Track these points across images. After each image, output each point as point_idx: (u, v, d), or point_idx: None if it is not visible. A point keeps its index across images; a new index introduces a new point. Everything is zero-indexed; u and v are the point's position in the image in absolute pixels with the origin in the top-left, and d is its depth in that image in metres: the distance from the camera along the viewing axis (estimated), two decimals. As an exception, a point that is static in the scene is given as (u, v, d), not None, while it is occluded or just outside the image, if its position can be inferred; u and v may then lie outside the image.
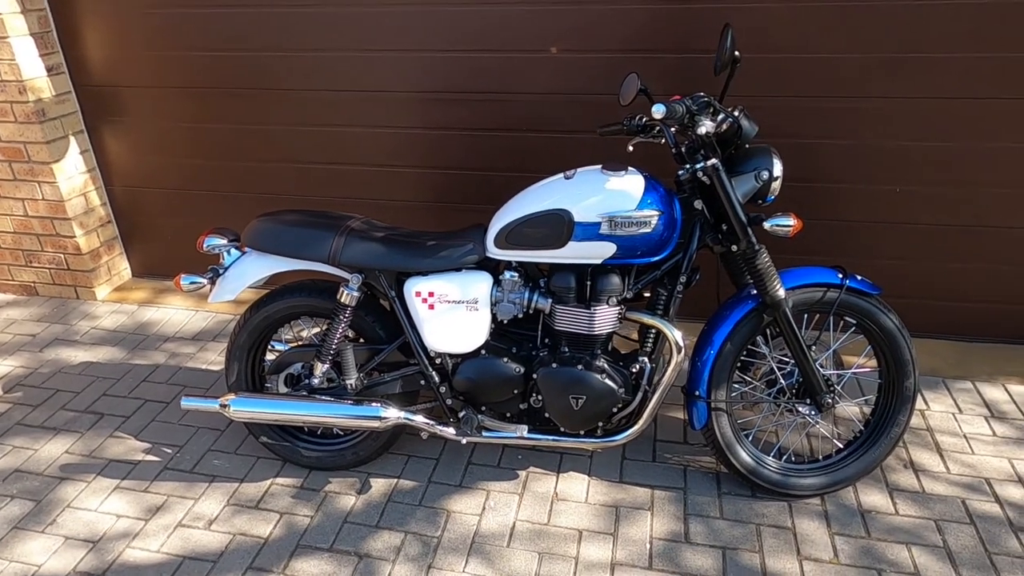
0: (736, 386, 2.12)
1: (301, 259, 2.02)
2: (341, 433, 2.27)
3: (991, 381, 2.63)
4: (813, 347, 2.02)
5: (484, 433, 2.10)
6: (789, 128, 2.58)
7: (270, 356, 2.29)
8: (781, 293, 1.92)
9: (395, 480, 2.27)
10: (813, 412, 2.05)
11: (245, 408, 2.04)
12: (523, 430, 2.06)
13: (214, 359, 2.92)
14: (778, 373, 2.08)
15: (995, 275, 2.68)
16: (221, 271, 2.11)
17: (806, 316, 2.06)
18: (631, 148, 1.97)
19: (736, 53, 1.70)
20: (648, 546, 2.01)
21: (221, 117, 3.04)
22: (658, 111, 1.62)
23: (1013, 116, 2.43)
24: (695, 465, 2.29)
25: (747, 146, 1.91)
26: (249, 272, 2.08)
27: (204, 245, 2.10)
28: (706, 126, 1.74)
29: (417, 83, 2.79)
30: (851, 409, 2.47)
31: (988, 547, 1.96)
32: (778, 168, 1.89)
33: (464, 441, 2.00)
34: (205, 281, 2.03)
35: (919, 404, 2.52)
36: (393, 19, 2.70)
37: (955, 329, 2.80)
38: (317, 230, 2.00)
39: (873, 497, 2.13)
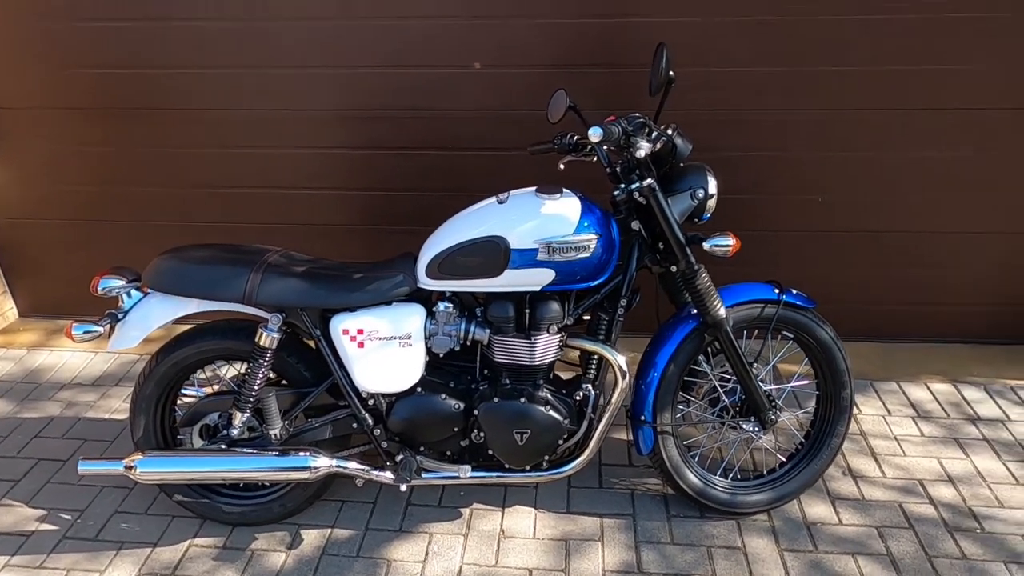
0: (679, 406, 2.08)
1: (212, 300, 1.83)
2: (267, 485, 2.08)
3: (914, 381, 2.72)
4: (754, 363, 2.01)
5: (424, 475, 1.97)
6: (720, 141, 2.59)
7: (186, 401, 2.08)
8: (722, 312, 1.89)
9: (329, 530, 2.11)
10: (757, 429, 2.04)
11: (155, 469, 1.83)
12: (466, 470, 1.94)
13: (118, 406, 2.65)
14: (720, 391, 2.05)
15: (912, 277, 2.78)
16: (120, 316, 1.89)
17: (745, 332, 2.05)
18: (562, 167, 1.90)
19: (671, 73, 1.66)
20: (602, 580, 1.94)
21: (118, 140, 2.78)
22: (595, 134, 1.55)
23: (928, 127, 2.53)
24: (642, 488, 2.24)
25: (681, 164, 1.88)
26: (152, 316, 1.87)
27: (99, 287, 1.88)
28: (643, 148, 1.69)
29: (337, 100, 2.64)
30: (791, 420, 2.49)
31: (928, 551, 1.99)
32: (713, 186, 1.86)
33: (403, 488, 1.86)
34: (101, 330, 1.81)
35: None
36: (307, 33, 2.55)
37: (878, 331, 2.89)
38: (229, 267, 1.82)
39: (817, 508, 2.14)
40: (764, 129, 2.56)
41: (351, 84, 2.61)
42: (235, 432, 1.92)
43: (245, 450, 1.88)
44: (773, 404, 2.03)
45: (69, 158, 2.82)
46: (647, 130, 1.74)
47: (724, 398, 2.05)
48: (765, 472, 2.16)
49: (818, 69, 2.46)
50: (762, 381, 2.07)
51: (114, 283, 1.88)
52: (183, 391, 2.08)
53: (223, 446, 1.92)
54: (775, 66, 2.47)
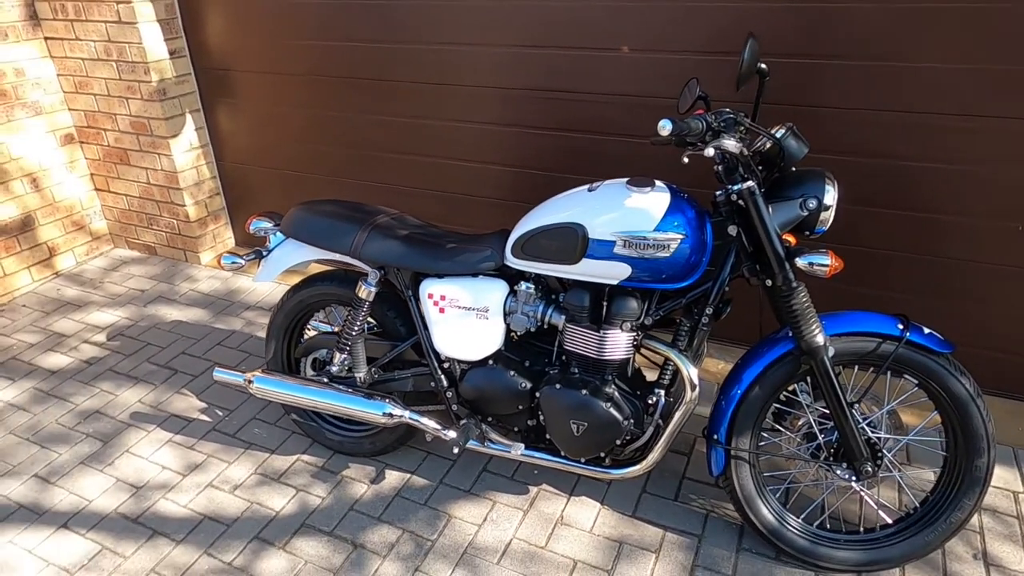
0: (765, 435, 1.89)
1: (328, 250, 2.06)
2: (360, 422, 2.32)
3: (1122, 471, 2.15)
4: (858, 404, 1.76)
5: (489, 444, 2.04)
6: (893, 148, 2.24)
7: (309, 334, 2.38)
8: (820, 340, 1.68)
9: (409, 475, 2.29)
10: (851, 477, 1.79)
11: (266, 386, 2.14)
12: (519, 447, 1.98)
13: (282, 332, 3.10)
14: (816, 428, 1.83)
15: None
16: (265, 253, 2.22)
17: (857, 368, 1.79)
18: (686, 160, 1.77)
19: (762, 66, 1.48)
20: (643, 592, 1.87)
21: (326, 104, 3.16)
22: (664, 127, 1.45)
23: None
24: (720, 512, 2.09)
25: (794, 169, 1.68)
26: (286, 258, 2.16)
27: (251, 227, 2.22)
28: (725, 145, 1.54)
29: (490, 79, 2.75)
30: (924, 475, 2.13)
31: (1058, 676, 1.61)
32: (830, 196, 1.64)
33: (456, 450, 1.96)
34: (243, 261, 2.14)
35: (1015, 486, 2.12)
36: (480, 14, 2.67)
37: (1088, 401, 2.32)
38: (344, 223, 2.03)
39: (923, 586, 1.83)
40: (952, 136, 2.16)
41: (504, 63, 2.69)
42: (334, 369, 2.15)
43: (338, 387, 2.11)
44: (877, 454, 1.76)
45: (286, 117, 3.30)
46: (741, 127, 1.58)
47: (819, 436, 1.83)
48: (863, 529, 1.89)
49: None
50: (873, 426, 1.80)
51: (263, 224, 2.21)
52: (310, 325, 2.38)
53: (325, 380, 2.17)
54: (971, 63, 2.06)
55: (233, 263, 2.15)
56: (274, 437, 2.48)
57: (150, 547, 2.07)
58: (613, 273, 1.75)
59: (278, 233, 2.21)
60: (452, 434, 2.03)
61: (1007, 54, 2.02)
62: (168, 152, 3.39)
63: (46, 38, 3.36)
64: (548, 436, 1.95)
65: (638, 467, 1.89)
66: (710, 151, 1.50)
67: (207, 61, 3.36)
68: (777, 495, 1.93)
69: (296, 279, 2.92)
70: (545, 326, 1.93)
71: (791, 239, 1.81)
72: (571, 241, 1.75)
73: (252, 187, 3.61)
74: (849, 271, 2.44)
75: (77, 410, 2.66)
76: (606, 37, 2.49)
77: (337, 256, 2.07)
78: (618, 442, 1.87)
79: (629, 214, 1.70)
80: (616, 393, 1.86)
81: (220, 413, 2.61)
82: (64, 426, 2.58)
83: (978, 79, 2.08)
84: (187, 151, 3.46)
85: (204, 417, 2.60)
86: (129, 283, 3.56)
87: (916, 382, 1.74)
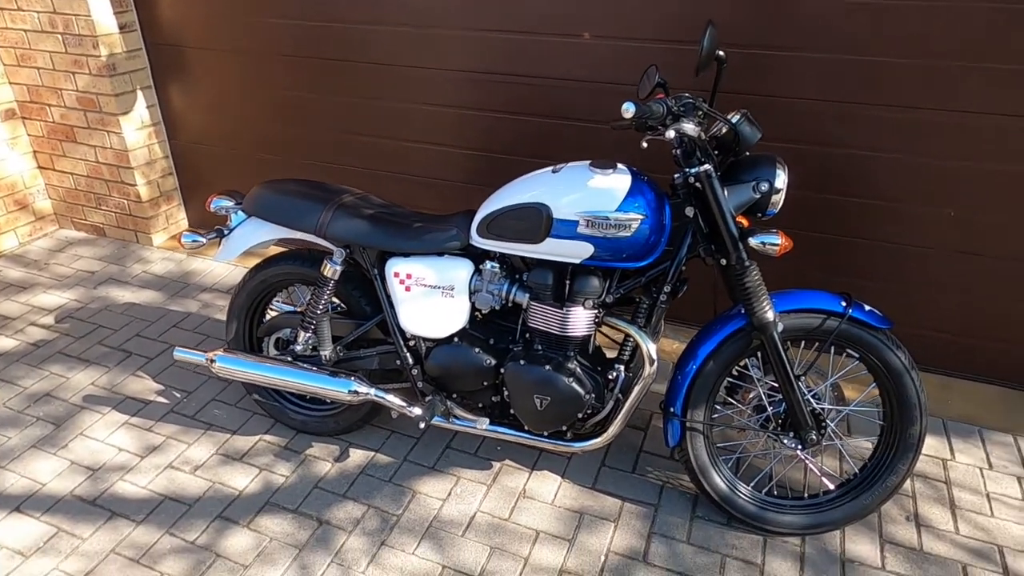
0: (718, 408, 1.99)
1: (293, 229, 2.06)
2: (324, 401, 2.33)
3: (1038, 439, 2.34)
4: (803, 376, 1.87)
5: (453, 420, 2.09)
6: (842, 136, 2.36)
7: (271, 314, 2.37)
8: (769, 316, 1.78)
9: (373, 453, 2.31)
10: (797, 446, 1.90)
11: (228, 365, 2.13)
12: (484, 422, 2.03)
13: (240, 313, 3.06)
14: (765, 400, 1.93)
15: (1063, 320, 2.37)
16: (226, 232, 2.20)
17: (803, 343, 1.90)
18: (645, 144, 1.83)
19: (720, 53, 1.56)
20: (602, 559, 1.95)
21: (284, 84, 3.12)
22: (627, 110, 1.51)
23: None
24: (675, 483, 2.19)
25: (748, 154, 1.77)
26: (248, 236, 2.15)
27: (212, 205, 2.19)
28: (685, 129, 1.61)
29: (457, 62, 2.76)
30: (863, 445, 2.28)
31: (979, 623, 1.76)
32: (781, 180, 1.74)
33: (421, 425, 2.00)
34: (204, 240, 2.12)
35: (944, 453, 2.28)
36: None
37: (1006, 374, 2.50)
38: (309, 201, 2.03)
39: (861, 546, 1.96)
40: (891, 127, 2.29)
41: (468, 47, 2.71)
42: (298, 348, 2.16)
43: (303, 365, 2.12)
44: (821, 424, 1.88)
45: (242, 96, 3.24)
46: (699, 112, 1.65)
47: (768, 408, 1.93)
48: (807, 495, 2.01)
49: (967, 65, 2.14)
50: (817, 398, 1.92)
51: (224, 203, 2.18)
52: (272, 306, 2.37)
53: (288, 358, 2.18)
54: (909, 57, 2.19)
55: (194, 241, 2.12)
56: (235, 418, 2.47)
57: (109, 528, 2.05)
58: (576, 252, 1.80)
59: (240, 212, 2.19)
60: (417, 411, 2.06)
61: (951, 50, 2.15)
62: (118, 130, 3.29)
63: (-16, 7, 3.21)
64: (512, 411, 2.00)
65: (598, 440, 1.96)
66: (671, 134, 1.57)
67: (159, 36, 3.27)
68: (728, 465, 2.03)
69: (254, 260, 2.89)
70: (510, 304, 1.98)
71: (744, 221, 1.89)
72: (536, 221, 1.80)
73: (207, 167, 3.54)
74: (798, 253, 2.57)
75: (26, 393, 2.59)
76: (568, 23, 2.53)
77: (301, 235, 2.07)
78: (579, 416, 1.93)
79: (592, 195, 1.75)
80: (578, 368, 1.92)
81: (178, 395, 2.58)
82: (12, 409, 2.51)
83: (921, 74, 2.20)
84: (138, 129, 3.37)
85: (161, 399, 2.56)
86: (77, 264, 3.46)
87: (857, 356, 1.85)
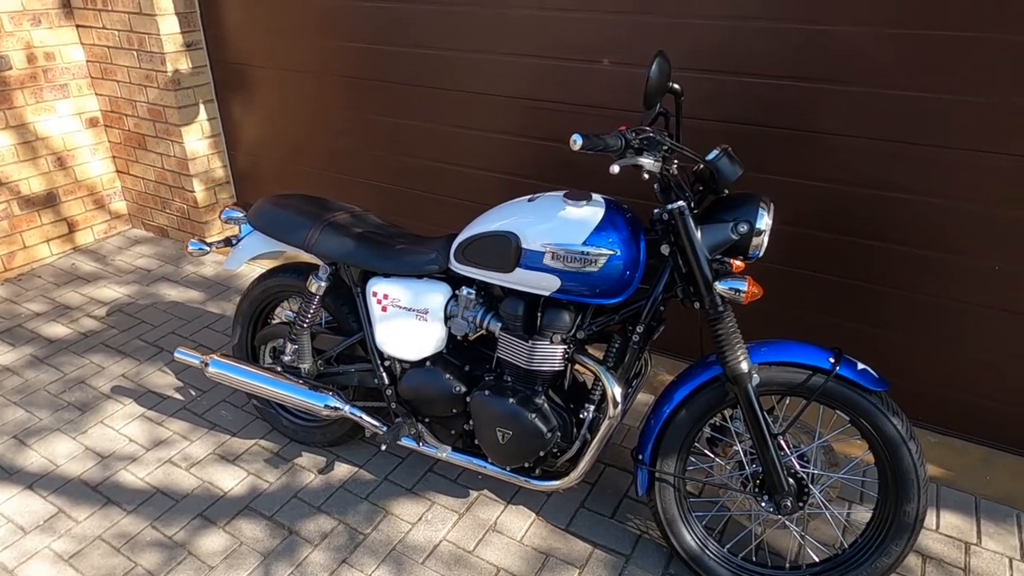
0: (694, 460, 1.86)
1: (286, 243, 2.12)
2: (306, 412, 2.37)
3: (1089, 532, 2.03)
4: (783, 436, 1.71)
5: (423, 445, 2.07)
6: (883, 176, 2.17)
7: (272, 322, 2.45)
8: (743, 366, 1.64)
9: (357, 469, 2.33)
10: (773, 511, 1.74)
11: (220, 371, 2.21)
12: (447, 450, 2.00)
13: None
14: (744, 457, 1.79)
15: None
16: (235, 241, 2.29)
17: (788, 400, 1.75)
18: (615, 169, 1.72)
19: (675, 86, 1.46)
20: (558, 606, 1.86)
21: (335, 102, 3.24)
22: (575, 142, 1.44)
23: None
24: (654, 534, 2.06)
25: (726, 192, 1.65)
26: (251, 248, 2.24)
27: (223, 216, 2.30)
28: (640, 162, 1.52)
29: (489, 86, 2.77)
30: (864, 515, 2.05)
31: None
32: (763, 221, 1.61)
33: (383, 447, 1.99)
34: (208, 248, 2.22)
35: (969, 536, 2.02)
36: (480, 23, 2.69)
37: (1065, 454, 2.19)
38: (301, 217, 2.08)
39: (846, 631, 1.76)
40: (942, 170, 2.07)
41: (501, 71, 2.71)
42: (287, 359, 2.21)
43: (287, 376, 2.17)
44: (804, 489, 1.71)
45: (300, 113, 3.38)
46: (663, 147, 1.56)
47: (746, 465, 1.79)
48: (788, 565, 1.83)
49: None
50: (806, 460, 1.76)
51: (234, 214, 2.28)
52: (281, 314, 2.44)
53: (278, 368, 2.23)
54: (965, 95, 1.97)
55: (199, 249, 2.23)
56: (238, 420, 2.56)
57: (102, 514, 2.17)
58: (544, 284, 1.75)
59: (247, 224, 2.28)
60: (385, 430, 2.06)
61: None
62: (180, 140, 3.53)
63: (77, 25, 3.55)
64: (476, 441, 1.96)
65: (561, 481, 1.88)
66: (615, 168, 1.49)
67: (223, 55, 3.49)
68: (703, 522, 1.89)
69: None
70: (485, 332, 1.94)
71: (739, 264, 1.76)
72: (506, 249, 1.76)
73: (263, 178, 3.73)
74: (800, 296, 2.38)
75: (65, 378, 2.80)
76: (589, 49, 2.48)
77: (295, 250, 2.13)
78: (542, 453, 1.86)
79: (560, 226, 1.70)
80: (545, 404, 1.85)
81: (193, 392, 2.71)
82: (50, 393, 2.72)
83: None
84: (199, 139, 3.60)
85: (178, 395, 2.70)
86: (139, 262, 3.73)
87: (848, 418, 1.68)
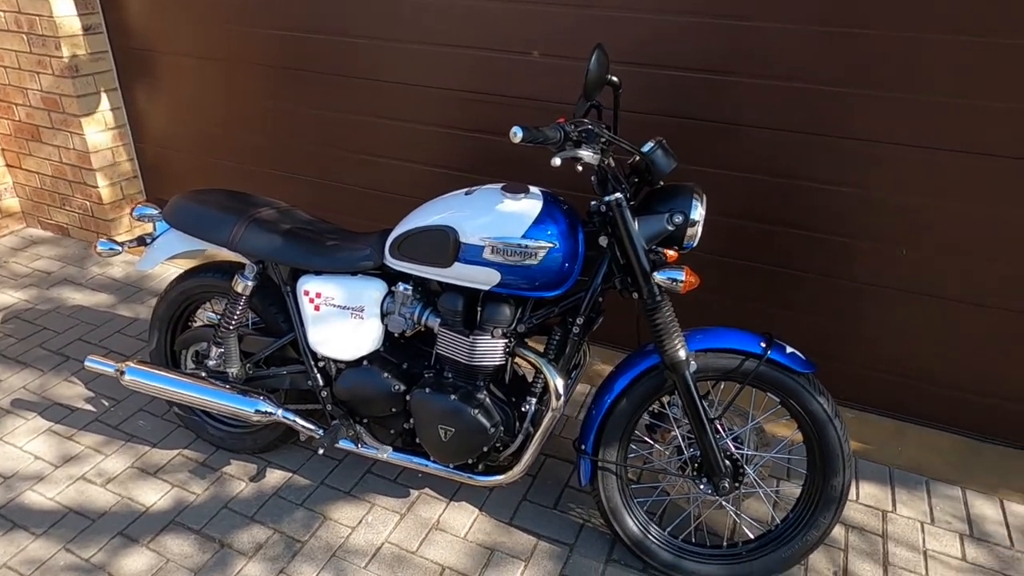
0: (635, 448, 1.89)
1: (207, 241, 2.01)
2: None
3: (988, 493, 2.20)
4: (719, 419, 1.77)
5: (362, 446, 2.01)
6: (802, 169, 2.26)
7: (192, 326, 2.32)
8: (681, 354, 1.68)
9: (291, 474, 2.24)
10: (710, 492, 1.80)
11: (138, 378, 2.07)
12: (388, 451, 1.95)
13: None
14: (683, 442, 1.83)
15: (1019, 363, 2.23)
16: (149, 240, 2.15)
17: (723, 384, 1.80)
18: (557, 162, 1.71)
19: (614, 78, 1.48)
20: (506, 600, 1.85)
21: (251, 92, 3.09)
22: (515, 134, 1.43)
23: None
24: (596, 522, 2.09)
25: (663, 183, 1.68)
26: (168, 247, 2.10)
27: (135, 214, 2.15)
28: (578, 155, 1.52)
29: (415, 77, 2.70)
30: (794, 491, 2.16)
31: None
32: (697, 212, 1.65)
33: (320, 451, 1.92)
34: (120, 248, 2.07)
35: (885, 504, 2.16)
36: (409, 10, 2.62)
37: (976, 426, 2.37)
38: (224, 213, 1.98)
39: (780, 602, 1.85)
40: (857, 160, 2.18)
41: (428, 62, 2.65)
42: (212, 363, 2.10)
43: (213, 382, 2.05)
44: (739, 470, 1.77)
45: (211, 102, 3.20)
46: (602, 139, 1.57)
47: (685, 450, 1.83)
48: (726, 544, 1.90)
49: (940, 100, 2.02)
50: (740, 442, 1.82)
51: (147, 212, 2.14)
52: (202, 317, 2.31)
53: (202, 374, 2.11)
54: (880, 90, 2.08)
55: (110, 249, 2.07)
56: (158, 430, 2.41)
57: (7, 540, 1.99)
58: (483, 278, 1.73)
59: (163, 221, 2.14)
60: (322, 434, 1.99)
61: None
62: (80, 131, 3.28)
63: (-46, 5, 3.22)
64: (417, 440, 1.92)
65: (504, 476, 1.88)
66: (556, 161, 1.49)
67: (127, 40, 3.26)
68: (644, 507, 1.93)
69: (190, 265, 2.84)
70: (423, 328, 1.90)
71: (672, 254, 1.80)
72: (443, 244, 1.73)
73: (174, 173, 3.52)
74: (731, 284, 2.47)
75: (-44, 394, 2.56)
76: (524, 42, 2.46)
77: (217, 248, 2.02)
78: (485, 448, 1.85)
79: (498, 220, 1.68)
80: (487, 400, 1.84)
81: (106, 403, 2.53)
82: (-61, 411, 2.48)
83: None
84: (101, 131, 3.35)
85: (88, 407, 2.51)
86: (36, 264, 3.44)
87: (778, 400, 1.75)
